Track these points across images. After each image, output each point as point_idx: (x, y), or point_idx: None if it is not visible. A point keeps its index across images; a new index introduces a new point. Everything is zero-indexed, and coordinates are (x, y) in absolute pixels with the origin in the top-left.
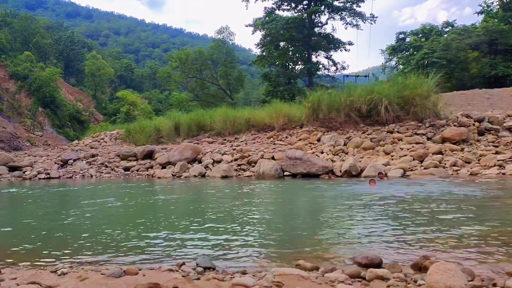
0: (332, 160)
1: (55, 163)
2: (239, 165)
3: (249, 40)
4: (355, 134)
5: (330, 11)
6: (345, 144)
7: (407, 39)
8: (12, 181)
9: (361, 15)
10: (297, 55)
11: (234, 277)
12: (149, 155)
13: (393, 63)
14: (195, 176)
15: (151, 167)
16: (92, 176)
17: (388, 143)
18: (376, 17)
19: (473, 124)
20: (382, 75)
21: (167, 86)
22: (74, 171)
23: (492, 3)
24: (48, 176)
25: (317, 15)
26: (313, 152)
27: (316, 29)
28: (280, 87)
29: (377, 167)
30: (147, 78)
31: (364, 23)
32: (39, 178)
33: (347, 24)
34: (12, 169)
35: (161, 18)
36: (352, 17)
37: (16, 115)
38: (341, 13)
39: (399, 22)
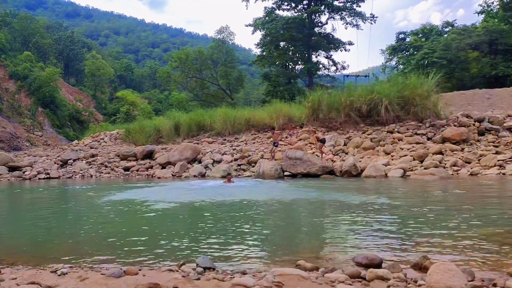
0: (332, 160)
1: (55, 163)
2: (239, 165)
3: (249, 40)
4: (355, 134)
5: (330, 11)
6: (345, 144)
7: (407, 39)
8: (12, 181)
9: (361, 15)
10: (297, 55)
11: (234, 277)
12: (149, 155)
13: (393, 63)
14: (195, 176)
15: (151, 167)
16: (92, 176)
17: (388, 143)
18: (376, 17)
19: (473, 124)
20: (382, 75)
21: (167, 86)
22: (74, 171)
23: (493, 3)
24: (48, 176)
25: (317, 15)
26: (313, 152)
27: (316, 29)
28: (280, 87)
29: (377, 167)
30: (147, 78)
31: (364, 23)
32: (39, 178)
33: (347, 24)
34: (12, 169)
35: (162, 18)
36: (352, 17)
37: (16, 115)
38: (341, 13)
39: (393, 25)
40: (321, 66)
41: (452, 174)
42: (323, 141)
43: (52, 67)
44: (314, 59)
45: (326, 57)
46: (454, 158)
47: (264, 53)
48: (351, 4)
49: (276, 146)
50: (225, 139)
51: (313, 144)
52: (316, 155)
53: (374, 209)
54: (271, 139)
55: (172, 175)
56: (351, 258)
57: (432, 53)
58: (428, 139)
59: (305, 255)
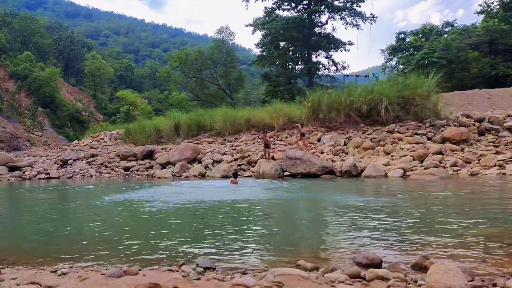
0: (332, 160)
1: (55, 163)
2: (239, 165)
3: (249, 40)
4: (355, 134)
5: (330, 11)
6: (345, 144)
7: (407, 39)
8: (12, 181)
9: (361, 15)
10: (297, 55)
11: (234, 277)
12: (149, 155)
13: (393, 63)
14: (195, 176)
15: (151, 167)
16: (92, 176)
17: (388, 143)
18: (376, 17)
19: (473, 124)
20: (382, 75)
21: (167, 86)
22: (74, 171)
23: (492, 3)
24: (48, 176)
25: (317, 15)
26: (313, 152)
27: (316, 29)
28: (280, 87)
29: (377, 167)
30: (147, 78)
31: (364, 23)
32: (39, 178)
33: (347, 24)
34: (12, 169)
35: (162, 18)
36: (352, 17)
37: (16, 115)
38: (341, 13)
39: (393, 25)
40: (321, 66)
41: (452, 174)
42: (303, 135)
43: (52, 67)
44: (314, 59)
45: (326, 57)
46: (454, 158)
47: (264, 53)
48: (351, 4)
49: (269, 148)
50: (225, 139)
51: (313, 144)
52: (313, 155)
53: (374, 209)
54: (262, 141)
55: (172, 175)
56: (351, 258)
57: (432, 53)
58: (428, 139)
59: (305, 255)
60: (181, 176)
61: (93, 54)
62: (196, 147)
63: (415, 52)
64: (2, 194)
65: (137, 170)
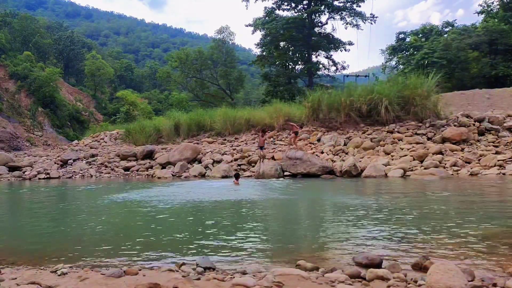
0: (332, 160)
1: (55, 163)
2: (239, 165)
3: (249, 40)
4: (355, 134)
5: (330, 11)
6: (345, 144)
7: (407, 39)
8: (12, 181)
9: (361, 15)
10: (297, 55)
11: (234, 277)
12: (149, 155)
13: (393, 63)
14: (195, 176)
15: (151, 167)
16: (92, 176)
17: (388, 143)
18: (376, 17)
19: (473, 124)
20: (382, 75)
21: (167, 86)
22: (74, 171)
23: (492, 3)
24: (48, 176)
25: (317, 15)
26: (313, 152)
27: (316, 29)
28: (280, 87)
29: (377, 167)
30: (147, 78)
31: (364, 23)
32: (39, 178)
33: (347, 24)
34: (12, 169)
35: (162, 18)
36: (352, 17)
37: (16, 115)
38: (341, 13)
39: (393, 25)
40: (321, 66)
41: (452, 174)
42: (297, 134)
43: (52, 67)
44: (314, 59)
45: (326, 57)
46: (454, 158)
47: (264, 53)
48: (351, 4)
49: (263, 149)
50: (225, 139)
51: (313, 144)
52: (313, 155)
53: (374, 209)
54: (258, 140)
55: (172, 175)
56: (351, 258)
57: (432, 53)
58: (428, 139)
59: (305, 255)
60: (181, 176)
61: (93, 54)
62: (196, 147)
63: (415, 52)
64: (2, 194)
65: (137, 170)
